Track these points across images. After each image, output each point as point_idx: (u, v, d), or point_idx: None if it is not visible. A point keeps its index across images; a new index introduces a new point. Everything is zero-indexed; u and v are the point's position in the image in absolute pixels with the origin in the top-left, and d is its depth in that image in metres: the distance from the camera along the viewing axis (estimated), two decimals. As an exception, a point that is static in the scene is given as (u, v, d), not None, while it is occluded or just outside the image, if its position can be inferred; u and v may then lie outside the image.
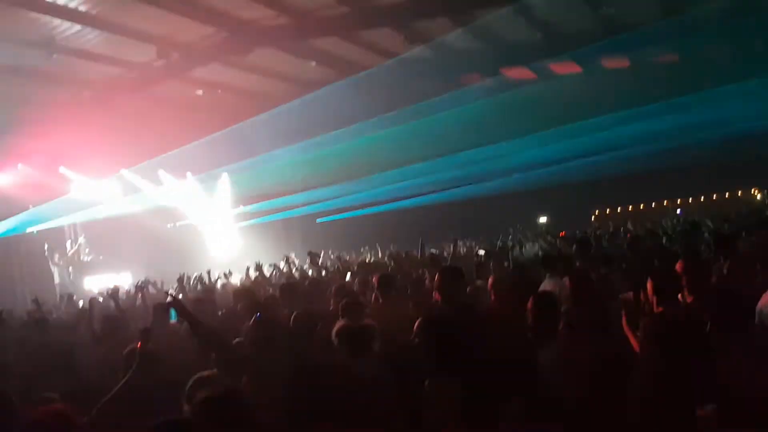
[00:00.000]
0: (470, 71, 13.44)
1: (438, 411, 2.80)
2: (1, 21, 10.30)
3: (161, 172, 17.47)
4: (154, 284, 9.23)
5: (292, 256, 11.23)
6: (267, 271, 9.72)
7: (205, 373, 3.44)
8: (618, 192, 18.78)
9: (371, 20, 12.15)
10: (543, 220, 19.64)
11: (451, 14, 12.14)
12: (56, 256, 15.82)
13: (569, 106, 13.78)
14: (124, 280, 14.08)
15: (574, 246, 7.30)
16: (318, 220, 19.86)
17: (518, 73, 13.94)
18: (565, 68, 13.61)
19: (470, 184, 17.98)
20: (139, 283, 8.65)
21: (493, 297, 4.89)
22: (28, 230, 15.95)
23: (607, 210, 21.24)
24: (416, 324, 3.35)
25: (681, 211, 19.20)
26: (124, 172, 16.75)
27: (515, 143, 16.01)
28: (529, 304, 3.65)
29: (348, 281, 7.10)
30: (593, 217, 20.41)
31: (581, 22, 13.19)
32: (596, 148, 15.67)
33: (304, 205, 18.93)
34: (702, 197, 20.58)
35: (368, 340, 3.70)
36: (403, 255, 10.45)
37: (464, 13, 12.14)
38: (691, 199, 20.59)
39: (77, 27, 11.01)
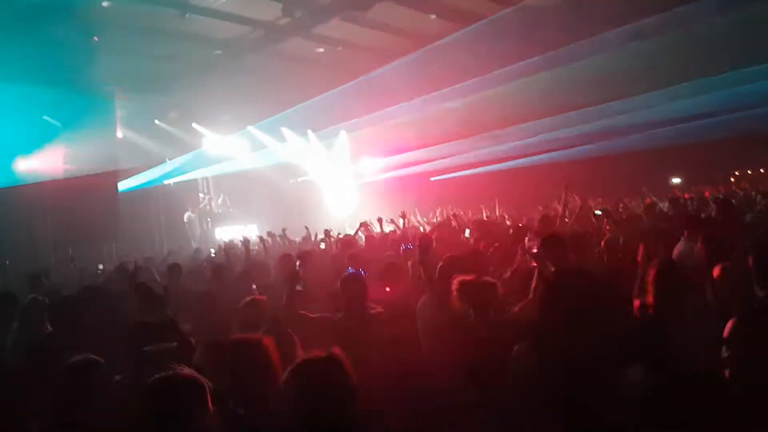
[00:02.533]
0: (602, 19, 12.50)
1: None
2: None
3: (284, 129, 18.06)
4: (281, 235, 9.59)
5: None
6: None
7: None
8: (762, 151, 16.97)
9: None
10: (676, 181, 18.25)
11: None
12: (190, 208, 17.01)
13: (708, 57, 12.53)
14: (251, 232, 14.84)
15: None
16: (431, 179, 19.69)
17: (653, 21, 12.82)
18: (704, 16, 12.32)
19: (594, 142, 16.97)
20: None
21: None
22: (165, 182, 17.21)
23: (749, 171, 19.33)
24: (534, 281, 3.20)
25: None
26: (251, 128, 17.49)
27: (646, 98, 14.91)
28: (650, 277, 3.28)
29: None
30: (733, 178, 18.65)
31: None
32: (738, 102, 14.23)
33: (420, 163, 18.84)
34: None
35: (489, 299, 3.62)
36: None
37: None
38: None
39: (209, -14, 11.46)
